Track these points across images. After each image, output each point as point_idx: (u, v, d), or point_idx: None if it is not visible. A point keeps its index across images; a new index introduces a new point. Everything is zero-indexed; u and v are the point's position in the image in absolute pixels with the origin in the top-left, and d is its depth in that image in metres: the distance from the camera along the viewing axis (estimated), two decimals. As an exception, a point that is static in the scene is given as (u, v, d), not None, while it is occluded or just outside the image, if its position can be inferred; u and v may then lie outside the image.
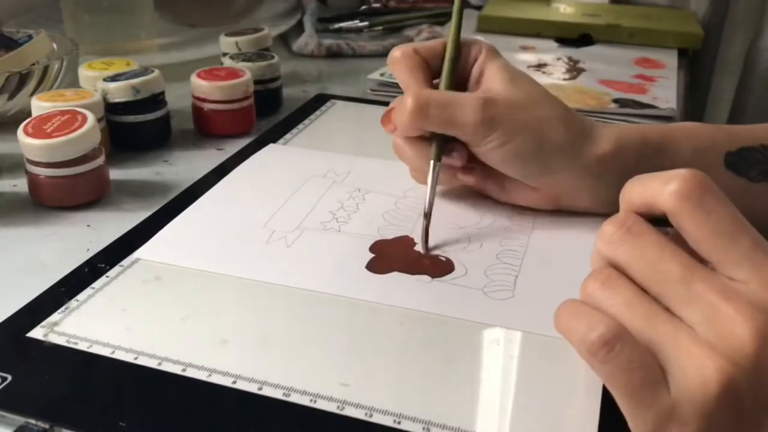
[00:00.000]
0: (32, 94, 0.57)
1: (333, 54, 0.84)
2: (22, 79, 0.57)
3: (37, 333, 0.35)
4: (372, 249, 0.43)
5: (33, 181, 0.47)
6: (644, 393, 0.26)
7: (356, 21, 0.92)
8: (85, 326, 0.35)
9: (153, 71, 0.55)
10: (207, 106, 0.58)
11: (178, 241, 0.43)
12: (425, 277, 0.40)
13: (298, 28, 0.87)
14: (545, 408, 0.32)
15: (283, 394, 0.32)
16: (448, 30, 0.46)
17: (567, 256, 0.42)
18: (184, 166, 0.54)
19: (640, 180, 0.29)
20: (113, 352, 0.34)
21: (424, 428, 0.30)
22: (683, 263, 0.27)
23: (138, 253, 0.42)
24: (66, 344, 0.34)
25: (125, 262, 0.41)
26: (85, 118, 0.47)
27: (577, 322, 0.28)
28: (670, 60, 0.83)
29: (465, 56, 0.45)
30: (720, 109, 1.04)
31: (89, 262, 0.41)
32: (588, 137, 0.43)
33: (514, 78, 0.44)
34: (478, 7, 1.01)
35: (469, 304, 0.38)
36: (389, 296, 0.38)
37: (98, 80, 0.55)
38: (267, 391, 0.32)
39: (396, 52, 0.44)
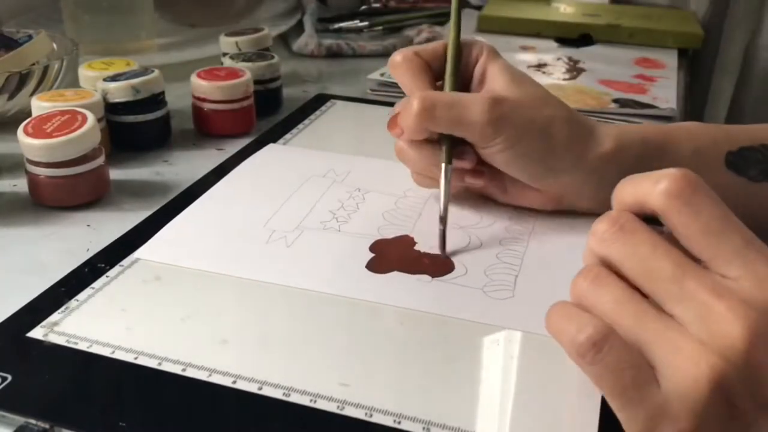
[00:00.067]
0: (32, 94, 0.57)
1: (333, 54, 0.84)
2: (22, 79, 0.57)
3: (37, 333, 0.35)
4: (372, 248, 0.43)
5: (33, 181, 0.47)
6: (634, 392, 0.26)
7: (356, 21, 0.92)
8: (85, 326, 0.35)
9: (153, 71, 0.55)
10: (207, 106, 0.58)
11: (178, 241, 0.43)
12: (425, 277, 0.40)
13: (298, 28, 0.87)
14: (545, 408, 0.32)
15: (283, 394, 0.32)
16: (448, 30, 0.46)
17: (567, 255, 0.42)
18: (184, 166, 0.54)
19: (631, 180, 0.29)
20: (113, 352, 0.34)
21: (424, 428, 0.30)
22: (675, 261, 0.27)
23: (138, 253, 0.42)
24: (66, 344, 0.34)
25: (125, 262, 0.41)
26: (85, 118, 0.47)
27: (566, 323, 0.28)
28: (670, 60, 0.83)
29: (466, 57, 0.45)
30: (720, 108, 1.04)
31: (89, 262, 0.41)
32: (591, 136, 0.43)
33: (516, 78, 0.44)
34: (478, 7, 1.01)
35: (469, 303, 0.38)
36: (389, 296, 0.38)
37: (98, 80, 0.55)
38: (267, 391, 0.32)
39: (397, 57, 0.44)
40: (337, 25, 0.91)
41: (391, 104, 0.68)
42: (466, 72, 0.45)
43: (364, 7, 1.00)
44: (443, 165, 0.43)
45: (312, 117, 0.64)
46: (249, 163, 0.53)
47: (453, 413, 0.31)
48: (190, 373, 0.33)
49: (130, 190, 0.50)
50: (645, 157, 0.43)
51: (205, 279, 0.40)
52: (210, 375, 0.32)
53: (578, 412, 0.31)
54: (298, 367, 0.33)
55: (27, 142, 0.45)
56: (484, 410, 0.31)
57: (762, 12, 0.97)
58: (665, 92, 0.71)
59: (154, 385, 0.32)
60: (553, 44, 0.88)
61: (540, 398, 0.32)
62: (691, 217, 0.27)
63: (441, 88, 0.44)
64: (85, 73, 0.58)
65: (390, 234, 0.44)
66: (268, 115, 0.63)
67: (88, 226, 0.45)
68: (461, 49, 0.45)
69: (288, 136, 0.59)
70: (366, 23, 0.92)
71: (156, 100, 0.55)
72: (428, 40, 0.84)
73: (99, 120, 0.49)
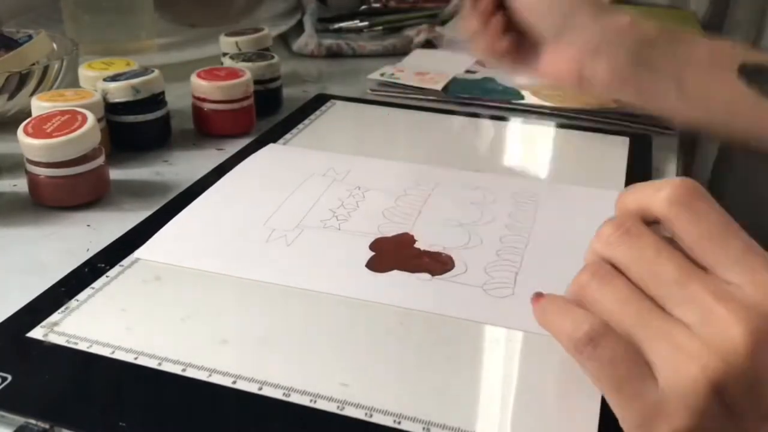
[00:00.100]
0: (32, 94, 0.57)
1: (333, 54, 0.84)
2: (22, 79, 0.57)
3: (37, 333, 0.35)
4: (372, 247, 0.43)
5: (33, 181, 0.47)
6: (630, 387, 0.26)
7: (356, 21, 0.92)
8: (85, 326, 0.35)
9: (153, 71, 0.55)
10: (207, 106, 0.58)
11: (178, 240, 0.43)
12: (425, 275, 0.40)
13: (298, 28, 0.87)
14: (545, 408, 0.32)
15: (283, 394, 0.32)
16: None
17: (567, 252, 0.42)
18: (184, 166, 0.54)
19: (633, 188, 0.30)
20: (113, 352, 0.34)
21: (424, 428, 0.30)
22: (680, 265, 0.27)
23: (138, 253, 0.42)
24: (66, 344, 0.34)
25: (125, 262, 0.41)
26: (85, 118, 0.47)
27: (562, 319, 0.29)
28: (670, 59, 0.83)
29: None
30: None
31: (89, 262, 0.41)
32: (608, 7, 0.47)
33: None
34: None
35: (470, 302, 0.38)
36: (389, 295, 0.38)
37: (98, 80, 0.55)
38: (267, 391, 0.32)
39: None
40: (337, 25, 0.91)
41: (391, 104, 0.68)
42: None
43: (364, 7, 1.00)
44: None
45: (312, 117, 0.64)
46: (249, 163, 0.53)
47: (453, 413, 0.31)
48: (190, 373, 0.33)
49: (130, 190, 0.50)
50: (664, 39, 0.46)
51: (205, 279, 0.40)
52: (210, 375, 0.32)
53: (578, 412, 0.31)
54: (298, 367, 0.33)
55: (27, 142, 0.45)
56: (484, 410, 0.31)
57: (764, 14, 0.97)
58: (665, 92, 0.71)
59: (154, 385, 0.32)
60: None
61: (540, 398, 0.32)
62: (692, 223, 0.27)
63: None
64: (85, 73, 0.58)
65: (390, 232, 0.44)
66: (268, 115, 0.63)
67: (88, 226, 0.45)
68: None
69: (288, 136, 0.59)
70: (366, 23, 0.92)
71: (156, 100, 0.55)
72: (428, 40, 0.84)
73: (99, 120, 0.49)
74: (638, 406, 0.26)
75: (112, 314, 0.37)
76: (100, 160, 0.47)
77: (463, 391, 0.32)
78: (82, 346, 0.34)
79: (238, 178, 0.51)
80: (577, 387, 0.32)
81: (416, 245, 0.43)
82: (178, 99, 0.60)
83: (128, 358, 0.33)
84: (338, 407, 0.31)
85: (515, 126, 0.64)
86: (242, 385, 0.32)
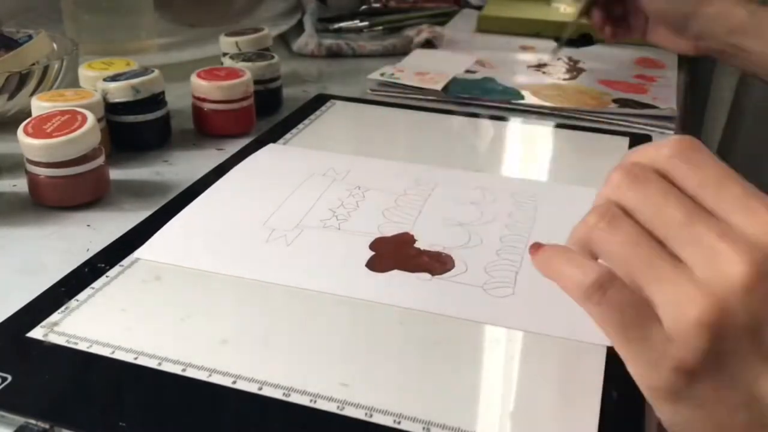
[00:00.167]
0: (32, 94, 0.57)
1: (333, 54, 0.84)
2: (22, 79, 0.57)
3: (37, 333, 0.35)
4: (372, 246, 0.43)
5: (33, 181, 0.47)
6: (636, 329, 0.27)
7: (356, 21, 0.92)
8: (85, 326, 0.35)
9: (153, 71, 0.55)
10: (207, 106, 0.58)
11: (177, 240, 0.43)
12: (425, 275, 0.40)
13: (298, 28, 0.87)
14: (545, 408, 0.32)
15: (283, 394, 0.32)
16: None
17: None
18: (184, 166, 0.54)
19: (636, 149, 0.31)
20: (113, 352, 0.34)
21: (424, 428, 0.30)
22: (686, 208, 0.28)
23: (138, 253, 0.42)
24: (66, 344, 0.34)
25: (125, 262, 0.41)
26: (85, 118, 0.47)
27: (569, 267, 0.29)
28: (670, 60, 0.83)
29: None
30: (720, 109, 1.04)
31: (89, 262, 0.41)
32: None
33: None
34: (479, 7, 1.01)
35: (470, 301, 0.38)
36: (389, 295, 0.38)
37: (98, 80, 0.55)
38: (267, 391, 0.32)
39: None
40: (337, 25, 0.91)
41: (391, 104, 0.68)
42: None
43: (364, 7, 1.00)
44: None
45: (312, 117, 0.64)
46: (249, 163, 0.53)
47: (453, 413, 0.31)
48: (190, 373, 0.33)
49: (130, 190, 0.50)
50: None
51: (205, 279, 0.40)
52: (210, 375, 0.32)
53: (578, 412, 0.31)
54: (298, 367, 0.33)
55: (27, 142, 0.45)
56: (484, 410, 0.31)
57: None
58: (665, 92, 0.71)
59: (154, 385, 0.32)
60: (553, 44, 0.88)
61: (540, 398, 0.32)
62: (692, 171, 0.28)
63: None
64: (85, 73, 0.58)
65: (390, 232, 0.44)
66: (268, 115, 0.63)
67: (88, 226, 0.45)
68: None
69: (288, 136, 0.59)
70: (366, 23, 0.92)
71: (156, 100, 0.55)
72: (428, 41, 0.84)
73: (99, 120, 0.49)
74: (644, 349, 0.27)
75: (112, 314, 0.37)
76: (100, 160, 0.47)
77: (463, 391, 0.32)
78: (82, 346, 0.34)
79: (238, 178, 0.51)
80: (577, 387, 0.32)
81: (416, 245, 0.43)
82: (178, 99, 0.60)
83: (128, 358, 0.33)
84: (338, 407, 0.31)
85: (515, 126, 0.64)
86: (242, 385, 0.32)
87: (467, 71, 0.76)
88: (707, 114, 1.05)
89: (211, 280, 0.40)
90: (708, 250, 0.26)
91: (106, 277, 0.39)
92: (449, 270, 0.41)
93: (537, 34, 0.91)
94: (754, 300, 0.25)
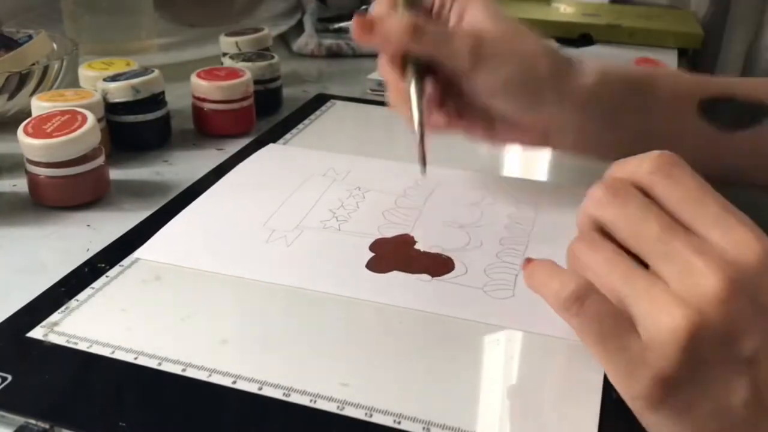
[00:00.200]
0: (32, 94, 0.57)
1: (333, 54, 0.84)
2: (22, 79, 0.57)
3: (37, 333, 0.35)
4: (372, 248, 0.43)
5: (33, 181, 0.47)
6: (614, 340, 0.28)
7: (356, 21, 0.92)
8: (85, 326, 0.35)
9: (153, 71, 0.55)
10: (207, 106, 0.58)
11: (178, 240, 0.43)
12: (425, 276, 0.40)
13: (298, 28, 0.87)
14: (545, 408, 0.32)
15: (283, 394, 0.32)
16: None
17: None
18: (184, 166, 0.54)
19: (619, 163, 0.32)
20: (113, 352, 0.34)
21: (424, 428, 0.30)
22: (664, 223, 0.28)
23: (138, 253, 0.42)
24: (66, 344, 0.34)
25: (125, 262, 0.41)
26: (85, 118, 0.47)
27: (550, 279, 0.30)
28: (670, 60, 0.83)
29: None
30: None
31: (89, 262, 0.41)
32: (574, 69, 0.45)
33: (498, 14, 0.46)
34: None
35: (470, 303, 0.38)
36: (389, 295, 0.38)
37: (98, 80, 0.55)
38: (267, 391, 0.32)
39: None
40: (337, 25, 0.91)
41: (391, 104, 0.68)
42: (441, 12, 0.46)
43: (364, 7, 1.00)
44: (412, 80, 0.43)
45: (312, 117, 0.64)
46: (249, 163, 0.53)
47: (453, 413, 0.31)
48: (190, 373, 0.33)
49: (130, 190, 0.50)
50: (626, 95, 0.45)
51: (205, 279, 0.40)
52: (210, 375, 0.32)
53: (578, 412, 0.31)
54: (298, 367, 0.33)
55: (27, 142, 0.45)
56: (484, 410, 0.31)
57: (764, 12, 0.97)
58: (665, 92, 0.71)
59: (154, 385, 0.32)
60: (553, 44, 0.88)
61: (540, 398, 0.32)
62: (671, 187, 0.29)
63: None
64: (85, 73, 0.58)
65: (390, 233, 0.44)
66: (268, 115, 0.63)
67: (88, 226, 0.45)
68: None
69: (288, 136, 0.59)
70: (366, 23, 0.91)
71: (156, 100, 0.55)
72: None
73: (99, 120, 0.49)
74: (622, 358, 0.27)
75: (112, 314, 0.37)
76: (100, 160, 0.47)
77: (463, 391, 0.32)
78: (82, 346, 0.34)
79: (238, 178, 0.51)
80: (577, 387, 0.32)
81: (416, 246, 0.43)
82: (178, 99, 0.60)
83: (128, 358, 0.33)
84: (338, 407, 0.31)
85: (515, 126, 0.64)
86: (242, 385, 0.32)
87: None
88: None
89: (211, 281, 0.40)
90: (684, 265, 0.27)
91: (106, 277, 0.40)
92: (449, 271, 0.41)
93: (537, 35, 0.90)
94: (727, 312, 0.26)
